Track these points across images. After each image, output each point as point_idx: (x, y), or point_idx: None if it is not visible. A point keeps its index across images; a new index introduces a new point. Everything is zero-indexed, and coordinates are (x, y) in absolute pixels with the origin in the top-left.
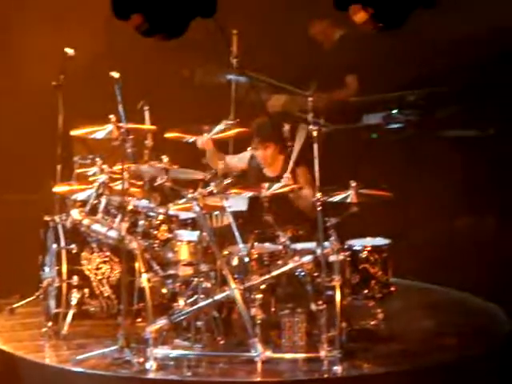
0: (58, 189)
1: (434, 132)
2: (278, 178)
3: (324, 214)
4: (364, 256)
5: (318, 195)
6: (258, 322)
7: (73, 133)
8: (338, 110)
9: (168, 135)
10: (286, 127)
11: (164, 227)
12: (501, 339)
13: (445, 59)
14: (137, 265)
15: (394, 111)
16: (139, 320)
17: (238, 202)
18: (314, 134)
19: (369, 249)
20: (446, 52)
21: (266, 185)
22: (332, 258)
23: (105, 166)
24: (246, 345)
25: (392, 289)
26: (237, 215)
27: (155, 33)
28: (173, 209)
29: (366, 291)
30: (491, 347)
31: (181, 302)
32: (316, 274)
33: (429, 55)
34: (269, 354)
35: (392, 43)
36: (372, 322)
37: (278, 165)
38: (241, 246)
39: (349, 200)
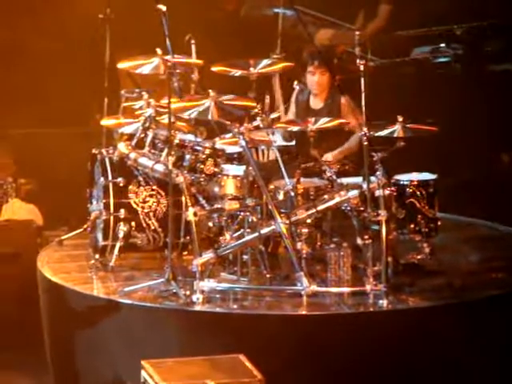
0: (105, 122)
1: (482, 66)
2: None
3: (371, 149)
4: (410, 191)
5: (365, 130)
6: (304, 256)
7: (120, 66)
8: (385, 43)
9: (215, 69)
10: (335, 61)
11: (210, 161)
12: None
13: None
14: (183, 199)
15: (442, 45)
16: (186, 253)
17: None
18: (361, 68)
19: (415, 183)
20: None
21: (313, 119)
22: (378, 193)
23: (151, 100)
24: (292, 279)
25: (439, 223)
26: (283, 150)
27: None
28: (219, 143)
29: (412, 226)
30: None
31: (227, 235)
32: (362, 209)
33: None
34: (314, 287)
35: None
36: (418, 257)
37: (323, 96)
38: (287, 180)
39: (395, 135)
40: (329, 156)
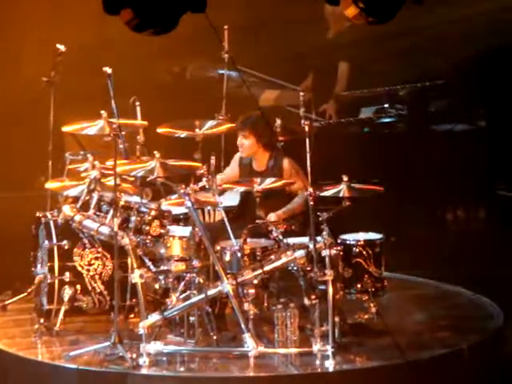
0: (50, 185)
1: (426, 126)
2: (264, 174)
3: (316, 209)
4: (357, 250)
5: (310, 190)
6: (251, 317)
7: (64, 129)
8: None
9: (160, 130)
10: (278, 122)
11: (156, 223)
12: (493, 332)
13: (437, 54)
14: (129, 261)
15: (386, 105)
16: (132, 316)
17: (231, 197)
18: (306, 128)
19: (362, 243)
20: (437, 47)
21: (258, 180)
22: (325, 253)
23: (96, 162)
24: (240, 340)
25: (385, 283)
26: (229, 210)
27: (146, 28)
28: (165, 204)
29: (359, 285)
30: (484, 341)
31: (173, 297)
32: (309, 269)
33: (420, 50)
34: (262, 349)
35: (384, 39)
36: (365, 316)
37: (263, 160)
38: (233, 241)
39: (341, 194)
40: (272, 216)
